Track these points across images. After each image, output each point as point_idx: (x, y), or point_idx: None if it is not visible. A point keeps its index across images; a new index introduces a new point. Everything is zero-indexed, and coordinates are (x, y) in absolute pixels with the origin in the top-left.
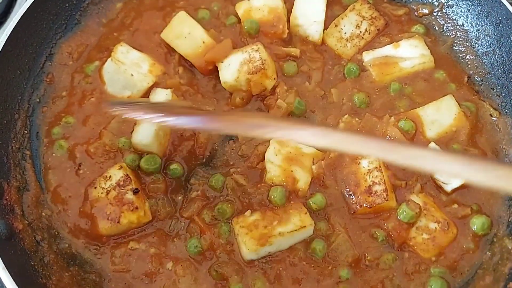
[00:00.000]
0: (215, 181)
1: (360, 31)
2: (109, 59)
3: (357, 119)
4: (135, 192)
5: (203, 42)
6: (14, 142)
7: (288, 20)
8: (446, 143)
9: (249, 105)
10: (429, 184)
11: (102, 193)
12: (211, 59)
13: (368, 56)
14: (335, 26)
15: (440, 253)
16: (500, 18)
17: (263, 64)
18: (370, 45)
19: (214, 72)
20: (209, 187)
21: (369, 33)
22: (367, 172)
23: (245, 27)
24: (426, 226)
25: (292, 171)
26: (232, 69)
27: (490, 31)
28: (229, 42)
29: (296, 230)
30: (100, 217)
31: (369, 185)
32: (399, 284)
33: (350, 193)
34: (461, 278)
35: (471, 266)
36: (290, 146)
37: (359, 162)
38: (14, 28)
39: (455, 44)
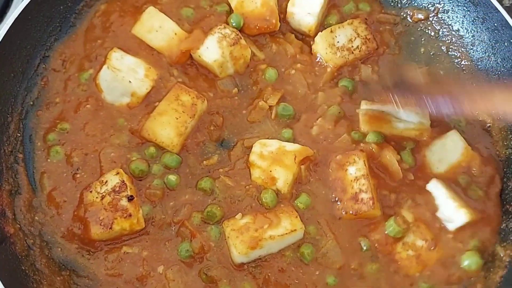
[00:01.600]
0: (204, 183)
1: (352, 46)
2: (105, 67)
3: (330, 127)
4: (130, 199)
5: (175, 34)
6: (7, 145)
7: (284, 12)
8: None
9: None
10: (423, 203)
11: (97, 197)
12: (187, 49)
13: (365, 106)
14: (331, 32)
15: (424, 270)
16: (496, 24)
17: (237, 35)
18: (353, 65)
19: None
20: (198, 189)
21: (359, 51)
22: (354, 179)
23: (232, 22)
24: (413, 242)
25: (271, 171)
26: (213, 48)
27: (485, 37)
28: (200, 31)
29: (286, 233)
30: (93, 222)
31: (356, 193)
32: None
33: (336, 199)
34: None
35: (461, 279)
36: (273, 146)
37: (347, 169)
38: (8, 30)
39: (450, 50)
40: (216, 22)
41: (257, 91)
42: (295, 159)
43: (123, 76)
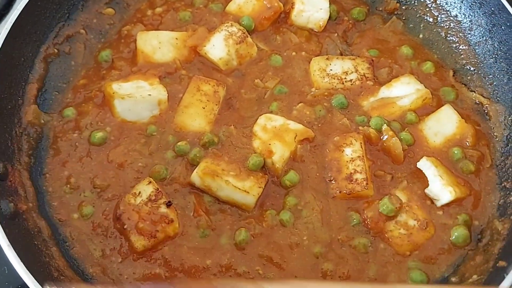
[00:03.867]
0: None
1: (345, 78)
2: (117, 101)
3: (308, 112)
4: (168, 205)
5: (176, 39)
6: (18, 126)
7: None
8: (451, 147)
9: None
10: (418, 184)
11: (133, 209)
12: (194, 45)
13: (366, 103)
14: (327, 59)
15: (414, 249)
16: (493, 9)
17: (244, 33)
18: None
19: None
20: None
21: (351, 84)
22: (350, 160)
23: (243, 22)
24: (405, 222)
25: (270, 144)
26: (220, 46)
27: (482, 21)
28: (204, 28)
29: (240, 189)
30: (134, 234)
31: (351, 173)
32: (376, 270)
33: (331, 178)
34: (443, 269)
35: (451, 261)
36: (277, 121)
37: (343, 150)
38: (18, 16)
39: (448, 35)
40: (216, 21)
41: (258, 72)
42: (295, 138)
43: (136, 97)
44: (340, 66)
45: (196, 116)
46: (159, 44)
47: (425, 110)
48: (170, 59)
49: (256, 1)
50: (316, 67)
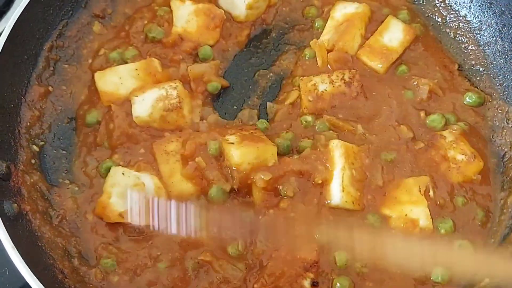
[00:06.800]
0: None
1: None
2: (130, 192)
3: None
4: None
5: (136, 70)
6: (21, 126)
7: None
8: None
9: None
10: None
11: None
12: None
13: None
14: (309, 81)
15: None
16: (503, 8)
17: (180, 102)
18: None
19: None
20: None
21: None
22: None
23: (201, 56)
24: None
25: None
26: (147, 104)
27: (492, 21)
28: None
29: None
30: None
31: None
32: None
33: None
34: None
35: None
36: None
37: None
38: (21, 13)
39: (457, 35)
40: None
41: None
42: None
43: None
44: (322, 83)
45: (178, 174)
46: (120, 80)
47: None
48: (132, 91)
49: (197, 17)
50: (307, 93)
